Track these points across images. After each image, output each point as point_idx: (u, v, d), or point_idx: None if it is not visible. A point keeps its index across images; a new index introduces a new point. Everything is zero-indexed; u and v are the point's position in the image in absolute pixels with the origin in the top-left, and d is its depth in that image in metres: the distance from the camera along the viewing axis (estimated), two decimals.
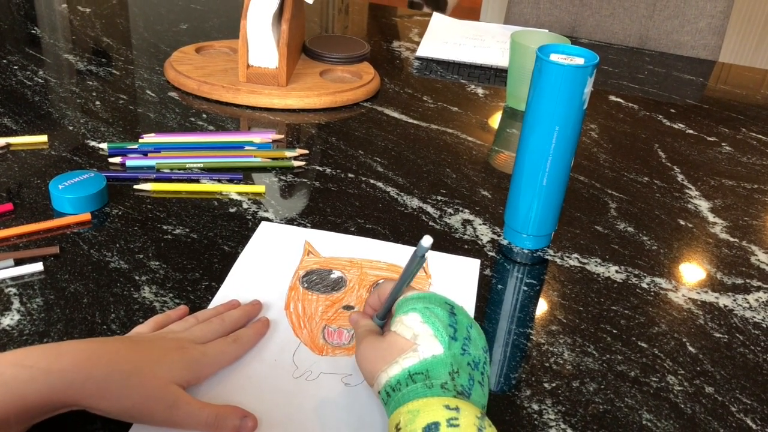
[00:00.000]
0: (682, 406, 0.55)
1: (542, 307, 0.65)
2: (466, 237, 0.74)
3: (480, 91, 1.13)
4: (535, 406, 0.54)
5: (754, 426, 0.54)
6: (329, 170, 0.85)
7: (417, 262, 0.49)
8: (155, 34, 1.22)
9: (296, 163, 0.84)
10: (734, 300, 0.68)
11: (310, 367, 0.55)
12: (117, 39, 1.19)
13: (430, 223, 0.76)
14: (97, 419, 0.48)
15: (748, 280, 0.71)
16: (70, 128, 0.88)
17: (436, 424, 0.41)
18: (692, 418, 0.54)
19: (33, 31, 1.19)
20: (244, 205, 0.76)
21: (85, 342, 0.47)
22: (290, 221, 0.74)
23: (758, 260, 0.75)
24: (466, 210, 0.79)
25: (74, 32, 1.21)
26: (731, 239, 0.78)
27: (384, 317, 0.53)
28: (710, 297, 0.69)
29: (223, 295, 0.62)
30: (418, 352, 0.46)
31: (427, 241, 0.47)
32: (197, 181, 0.79)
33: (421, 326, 0.47)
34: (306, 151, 0.88)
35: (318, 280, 0.65)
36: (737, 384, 0.58)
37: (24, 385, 0.43)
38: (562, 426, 0.52)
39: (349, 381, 0.54)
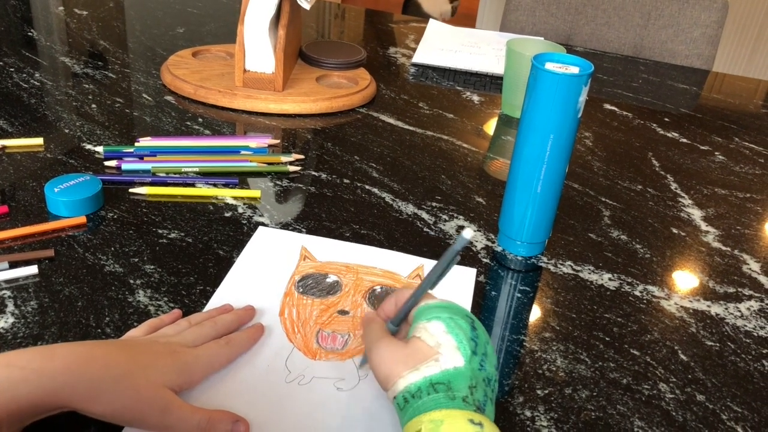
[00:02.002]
0: (674, 413, 0.56)
1: (536, 314, 0.66)
2: None
3: (475, 98, 1.13)
4: (528, 413, 0.54)
5: None
6: (325, 175, 0.85)
7: (452, 260, 0.47)
8: (152, 38, 1.22)
9: (292, 168, 0.85)
10: (726, 308, 0.69)
11: (302, 372, 0.55)
12: (113, 42, 1.19)
13: (425, 230, 0.76)
14: (91, 423, 0.48)
15: (739, 289, 0.72)
16: (66, 131, 0.88)
17: None
18: (683, 426, 0.55)
19: (29, 34, 1.19)
20: (240, 210, 0.76)
21: (77, 344, 0.47)
22: (285, 226, 0.74)
23: (750, 269, 0.76)
24: (461, 216, 0.79)
25: (71, 35, 1.21)
26: (723, 248, 0.79)
27: (399, 323, 0.52)
28: (702, 305, 0.69)
29: (218, 299, 0.62)
30: (440, 362, 0.45)
31: (468, 233, 0.45)
32: (193, 185, 0.79)
33: (445, 336, 0.47)
34: (302, 156, 0.88)
35: (313, 283, 0.65)
36: (728, 392, 0.59)
37: (16, 386, 0.43)
38: None
39: (342, 386, 0.54)
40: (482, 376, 0.47)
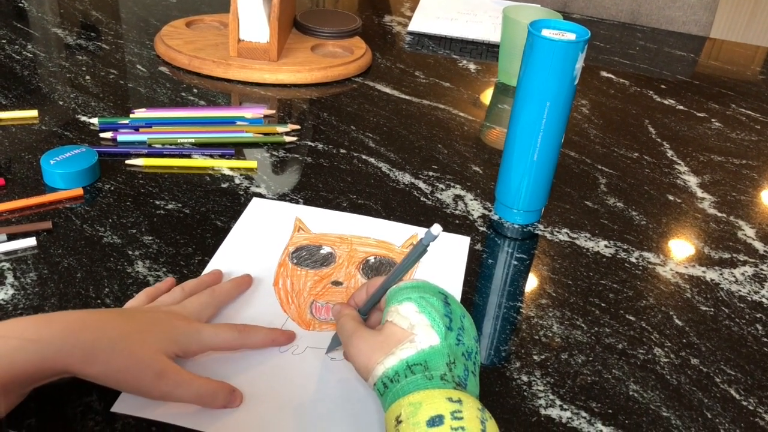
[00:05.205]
0: (668, 377, 0.57)
1: (532, 281, 0.66)
2: (457, 212, 0.74)
3: (472, 66, 1.13)
4: (525, 378, 0.55)
5: (737, 396, 0.55)
6: (321, 146, 0.85)
7: (421, 252, 0.48)
8: (145, 8, 1.21)
9: (288, 139, 0.84)
10: (721, 274, 0.69)
11: (296, 342, 0.56)
12: (106, 13, 1.18)
13: (422, 199, 0.76)
14: (93, 390, 0.48)
15: (734, 255, 0.73)
16: (61, 103, 0.88)
17: (440, 417, 0.40)
18: (678, 389, 0.55)
19: (20, 5, 1.18)
20: (236, 181, 0.76)
21: (74, 312, 0.48)
22: (282, 197, 0.74)
23: (745, 235, 0.76)
24: (458, 185, 0.79)
25: (62, 6, 1.19)
26: (719, 214, 0.79)
27: (366, 313, 0.52)
28: (697, 271, 0.70)
29: (212, 269, 0.62)
30: (415, 343, 0.45)
31: (436, 229, 0.46)
32: (189, 156, 0.79)
33: (417, 316, 0.46)
34: (297, 127, 0.88)
35: (307, 255, 0.65)
36: (722, 356, 0.59)
37: (14, 353, 0.43)
38: (551, 397, 0.54)
39: (335, 356, 0.55)
40: (461, 350, 0.46)
